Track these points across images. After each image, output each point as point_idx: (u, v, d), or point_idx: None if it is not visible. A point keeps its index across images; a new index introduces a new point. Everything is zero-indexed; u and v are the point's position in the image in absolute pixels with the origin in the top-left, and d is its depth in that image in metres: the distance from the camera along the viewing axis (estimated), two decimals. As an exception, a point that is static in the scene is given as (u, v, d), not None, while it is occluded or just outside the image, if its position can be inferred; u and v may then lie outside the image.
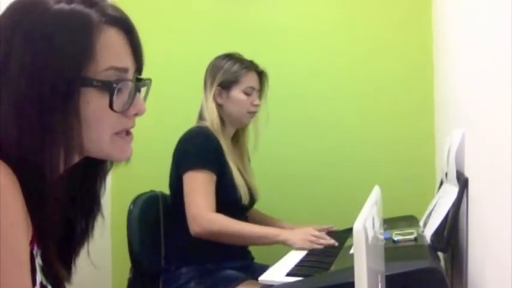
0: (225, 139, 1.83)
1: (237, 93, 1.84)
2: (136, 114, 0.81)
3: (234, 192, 1.78)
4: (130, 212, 1.83)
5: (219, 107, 1.84)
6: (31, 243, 0.71)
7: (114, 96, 0.75)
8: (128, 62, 0.79)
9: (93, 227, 0.89)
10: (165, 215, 1.91)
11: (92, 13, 0.75)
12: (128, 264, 1.83)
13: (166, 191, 1.91)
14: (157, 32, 2.36)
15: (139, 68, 0.83)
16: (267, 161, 2.14)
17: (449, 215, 1.18)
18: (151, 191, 1.95)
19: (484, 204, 1.04)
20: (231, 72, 1.84)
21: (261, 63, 1.91)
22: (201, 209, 1.67)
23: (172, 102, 2.30)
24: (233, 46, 1.96)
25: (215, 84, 1.84)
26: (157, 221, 1.90)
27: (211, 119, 1.81)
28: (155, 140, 2.28)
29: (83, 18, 0.74)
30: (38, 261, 0.73)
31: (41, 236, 0.73)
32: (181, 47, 2.34)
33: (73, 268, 0.87)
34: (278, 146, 2.23)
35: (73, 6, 0.74)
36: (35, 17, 0.72)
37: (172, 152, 1.82)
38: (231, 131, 1.90)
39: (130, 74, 0.80)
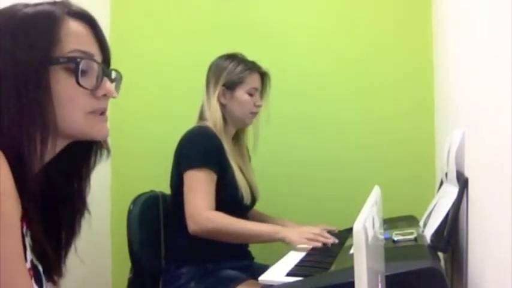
0: (227, 139, 1.84)
1: (241, 93, 1.85)
2: (105, 95, 0.87)
3: (235, 191, 1.78)
4: (130, 212, 1.82)
5: (222, 106, 1.85)
6: (21, 221, 0.74)
7: (79, 72, 0.82)
8: (92, 49, 0.86)
9: (80, 225, 0.94)
10: (165, 215, 1.91)
11: (55, 9, 0.84)
12: (128, 264, 1.83)
13: (167, 191, 1.91)
14: (157, 31, 2.37)
15: (106, 59, 0.90)
16: (267, 161, 2.14)
17: (449, 215, 1.18)
18: (151, 191, 1.95)
19: (484, 204, 1.04)
20: (236, 73, 1.84)
21: (261, 63, 1.92)
22: (199, 207, 1.67)
23: (172, 102, 2.30)
24: (234, 46, 1.96)
25: (220, 84, 1.84)
26: (157, 221, 1.90)
27: (215, 119, 1.81)
28: (155, 140, 2.28)
29: (46, 13, 0.83)
30: (28, 240, 0.77)
31: (27, 215, 0.76)
32: (181, 47, 2.34)
33: (63, 268, 0.90)
34: (278, 146, 2.23)
35: (38, 7, 0.83)
36: (6, 20, 0.82)
37: (172, 151, 1.82)
38: (232, 130, 1.90)
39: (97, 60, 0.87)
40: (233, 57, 1.88)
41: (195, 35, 2.32)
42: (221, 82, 1.84)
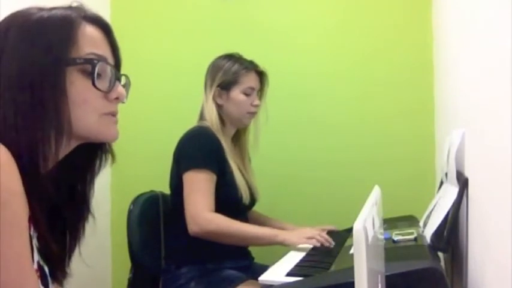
0: (226, 139, 1.84)
1: (236, 93, 1.84)
2: (117, 99, 0.89)
3: (234, 191, 1.78)
4: (130, 212, 1.83)
5: (219, 107, 1.84)
6: (28, 222, 0.74)
7: (95, 75, 0.83)
8: (106, 53, 0.88)
9: (84, 229, 0.94)
10: (165, 215, 1.91)
11: (71, 12, 0.86)
12: (128, 264, 1.83)
13: (167, 191, 1.91)
14: (157, 32, 2.37)
15: (117, 65, 0.91)
16: (267, 161, 2.14)
17: (449, 215, 1.18)
18: (151, 191, 1.95)
19: (484, 204, 1.04)
20: (231, 73, 1.84)
21: (262, 64, 1.91)
22: (199, 209, 1.67)
23: (172, 102, 2.30)
24: (234, 46, 1.96)
25: (215, 85, 1.84)
26: (157, 221, 1.90)
27: (211, 120, 1.81)
28: (155, 140, 2.28)
29: (62, 15, 0.84)
30: (35, 242, 0.77)
31: (34, 216, 0.76)
32: (181, 46, 2.34)
33: (68, 271, 0.91)
34: (278, 146, 2.23)
35: (53, 11, 0.85)
36: (20, 21, 0.83)
37: (172, 152, 1.82)
38: (231, 130, 1.90)
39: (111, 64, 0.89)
40: (230, 57, 1.88)
41: (195, 35, 2.32)
42: (216, 82, 1.84)
